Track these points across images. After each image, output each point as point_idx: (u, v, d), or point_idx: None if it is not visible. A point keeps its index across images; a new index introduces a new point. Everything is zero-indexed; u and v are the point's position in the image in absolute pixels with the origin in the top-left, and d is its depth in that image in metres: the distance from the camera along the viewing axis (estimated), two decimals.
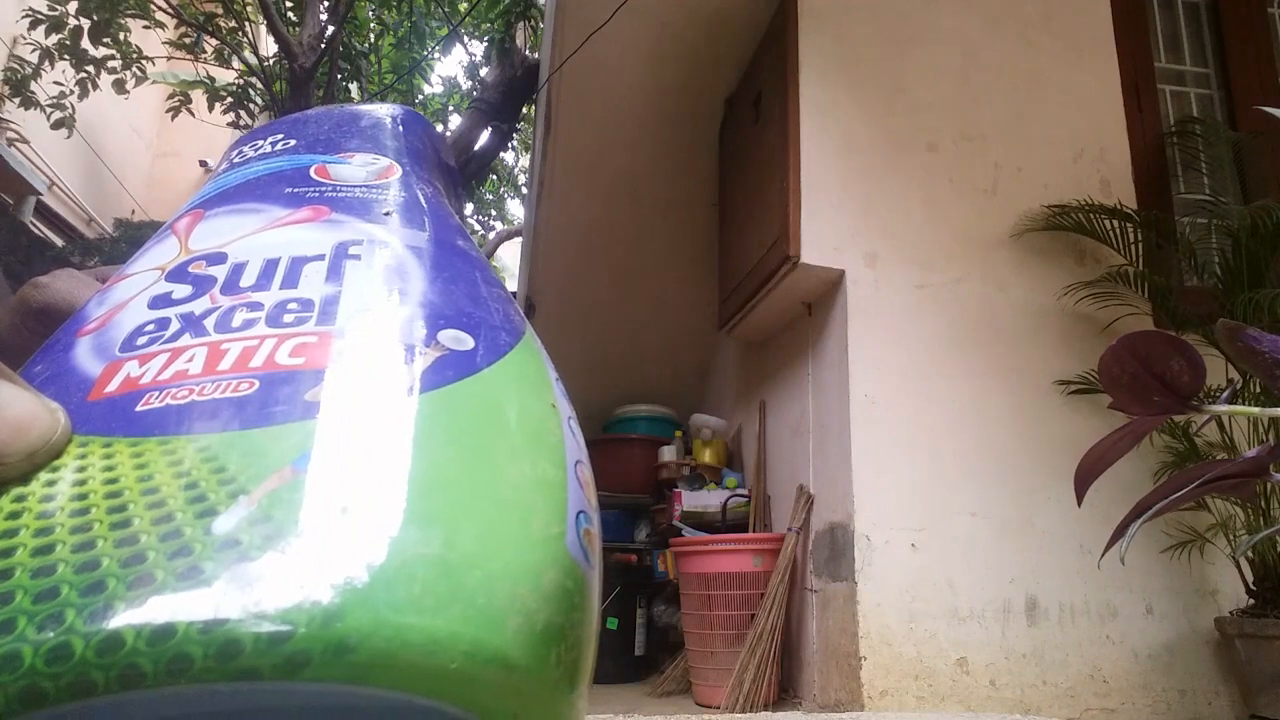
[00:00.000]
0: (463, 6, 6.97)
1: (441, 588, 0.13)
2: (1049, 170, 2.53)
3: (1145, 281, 2.30)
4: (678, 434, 3.57)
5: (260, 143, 0.27)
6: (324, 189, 0.23)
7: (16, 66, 5.48)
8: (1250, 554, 2.02)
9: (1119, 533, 0.43)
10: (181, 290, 0.18)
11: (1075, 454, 0.48)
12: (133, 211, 7.99)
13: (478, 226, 10.10)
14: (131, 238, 6.07)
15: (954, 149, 2.51)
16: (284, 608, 0.12)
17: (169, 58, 6.59)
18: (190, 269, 0.19)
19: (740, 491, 2.99)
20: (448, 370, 0.16)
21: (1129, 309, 2.34)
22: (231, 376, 0.16)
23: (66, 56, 5.38)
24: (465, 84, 8.28)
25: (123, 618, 0.12)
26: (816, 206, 2.37)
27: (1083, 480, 0.45)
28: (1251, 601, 2.05)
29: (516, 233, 7.67)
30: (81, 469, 0.14)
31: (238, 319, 0.17)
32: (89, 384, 0.16)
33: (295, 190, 0.23)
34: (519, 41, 6.03)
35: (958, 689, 2.07)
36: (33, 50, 5.32)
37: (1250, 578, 2.05)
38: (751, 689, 2.26)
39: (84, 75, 5.46)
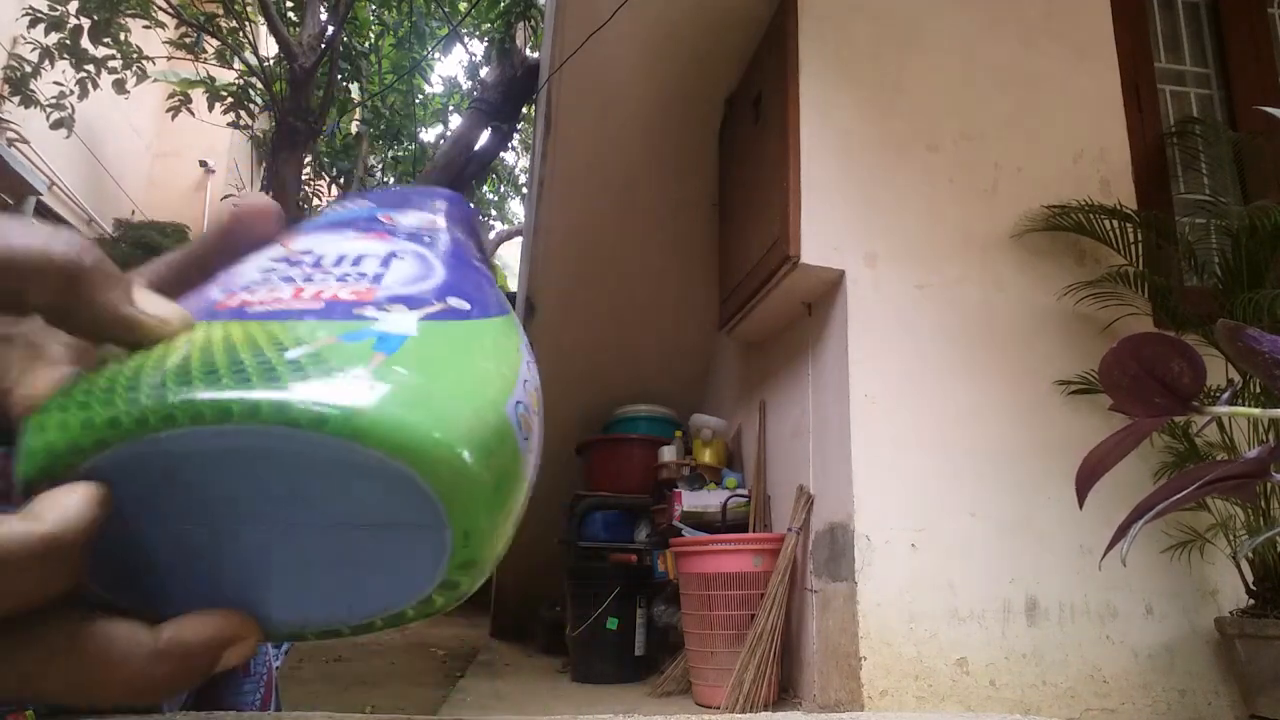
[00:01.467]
0: (463, 6, 6.97)
1: (419, 401, 0.20)
2: (1049, 170, 2.53)
3: (1145, 281, 2.30)
4: (678, 434, 3.57)
5: (344, 202, 0.35)
6: (387, 226, 0.31)
7: (16, 65, 5.48)
8: (1250, 554, 2.02)
9: (1120, 534, 0.43)
10: (282, 265, 0.27)
11: (1075, 454, 0.48)
12: (132, 212, 7.99)
13: None
14: (132, 238, 6.07)
15: (954, 149, 2.51)
16: (321, 399, 0.20)
17: (169, 58, 6.59)
18: (289, 256, 0.27)
19: (740, 491, 2.99)
20: (449, 315, 0.25)
21: (1129, 309, 2.34)
22: (309, 300, 0.24)
23: (66, 56, 5.39)
24: (466, 84, 8.28)
25: (228, 393, 0.20)
26: (816, 206, 2.37)
27: (1084, 482, 0.45)
28: (1251, 602, 2.05)
29: (516, 233, 7.68)
30: (208, 334, 0.22)
31: (317, 277, 0.26)
32: (215, 302, 0.24)
33: (367, 225, 0.31)
34: (519, 41, 6.03)
35: (958, 689, 2.07)
36: (33, 49, 5.32)
37: (1250, 578, 2.05)
38: (751, 689, 2.26)
39: (84, 75, 5.46)
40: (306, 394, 0.19)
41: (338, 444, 0.19)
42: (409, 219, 0.32)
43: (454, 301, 0.25)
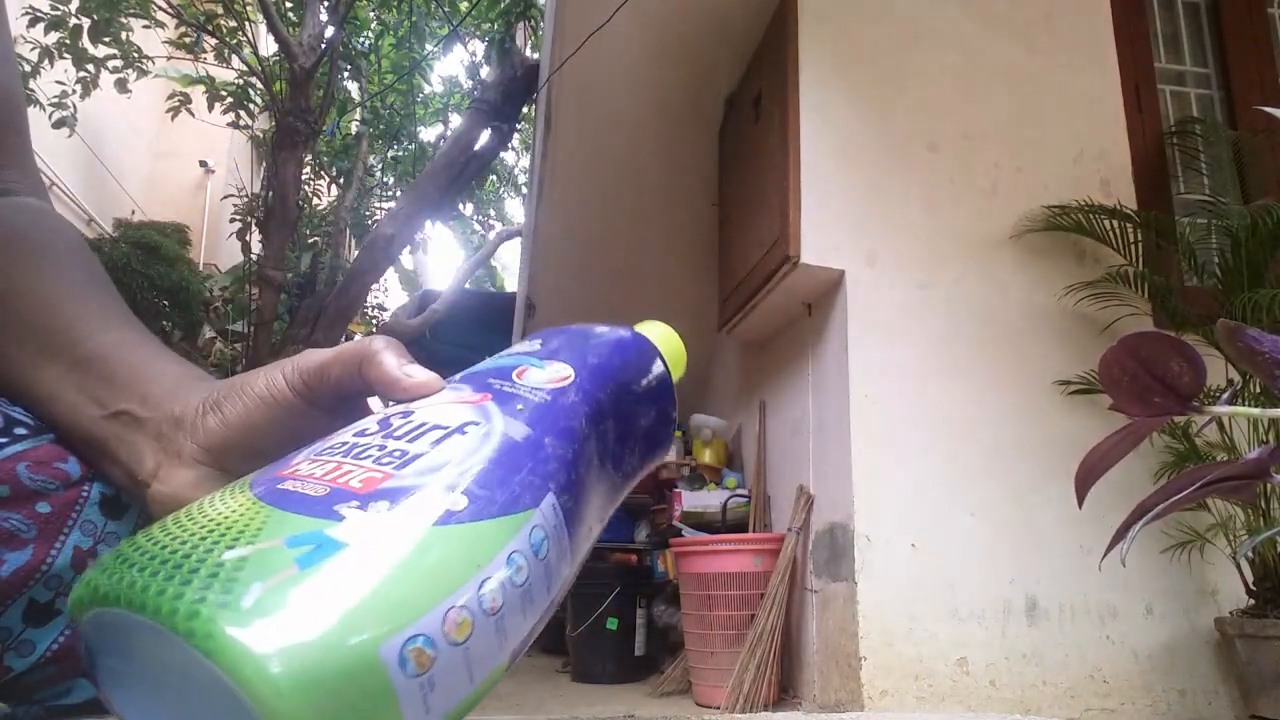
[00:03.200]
0: (463, 6, 6.97)
1: (271, 627, 0.21)
2: (1049, 170, 2.53)
3: (1145, 281, 2.30)
4: (678, 434, 3.57)
5: (531, 340, 0.38)
6: (504, 385, 0.33)
7: (17, 65, 5.47)
8: (1250, 554, 2.02)
9: (1120, 535, 0.43)
10: (363, 434, 0.30)
11: (1075, 454, 0.48)
12: (133, 212, 7.99)
13: (478, 226, 10.11)
14: (132, 238, 6.07)
15: (954, 149, 2.51)
16: (195, 607, 0.22)
17: (169, 57, 6.58)
18: (387, 418, 0.31)
19: (740, 491, 2.99)
20: (434, 516, 0.26)
21: (1129, 309, 2.34)
22: (322, 484, 0.27)
23: (67, 55, 5.38)
24: (466, 84, 8.28)
25: (143, 587, 0.23)
26: (816, 206, 2.37)
27: (1083, 482, 0.45)
28: (1251, 602, 2.05)
29: (516, 233, 7.67)
30: (226, 513, 0.26)
31: (364, 453, 0.28)
32: (277, 472, 0.29)
33: (492, 381, 0.33)
34: (519, 41, 6.02)
35: (958, 689, 2.07)
36: (33, 49, 5.31)
37: (1250, 578, 2.05)
38: (751, 689, 2.26)
39: (84, 74, 5.46)
40: (190, 599, 0.22)
41: (188, 648, 0.22)
42: (543, 373, 0.34)
43: (449, 501, 0.26)
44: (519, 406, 0.32)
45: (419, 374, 0.33)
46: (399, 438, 0.29)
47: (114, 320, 0.44)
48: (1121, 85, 2.68)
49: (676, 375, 0.38)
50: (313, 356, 0.35)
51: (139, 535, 0.26)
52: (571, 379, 0.34)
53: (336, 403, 0.36)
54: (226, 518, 0.25)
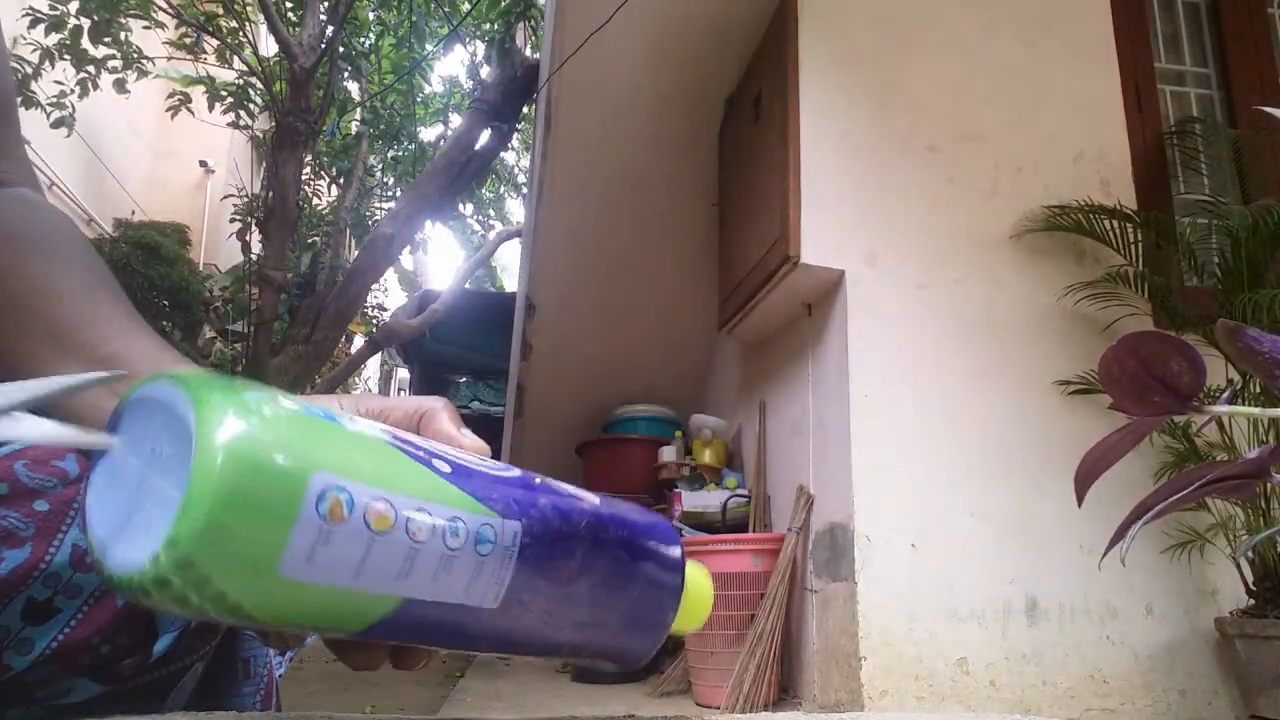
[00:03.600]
0: (463, 6, 6.97)
1: (247, 415, 0.25)
2: (1049, 170, 2.53)
3: (1145, 281, 2.30)
4: (678, 434, 3.57)
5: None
6: (539, 478, 0.35)
7: (17, 66, 5.47)
8: (1250, 554, 2.02)
9: (1119, 534, 0.43)
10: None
11: (1075, 454, 0.48)
12: (132, 212, 7.99)
13: (478, 226, 10.10)
14: (132, 238, 6.06)
15: (954, 149, 2.51)
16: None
17: (169, 58, 6.58)
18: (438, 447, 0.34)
19: (740, 491, 2.99)
20: (420, 459, 0.30)
21: (1129, 309, 2.34)
22: (369, 417, 0.34)
23: (67, 56, 5.38)
24: (466, 84, 8.29)
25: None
26: (816, 206, 2.37)
27: (1083, 481, 0.45)
28: (1251, 602, 2.05)
29: (516, 233, 7.67)
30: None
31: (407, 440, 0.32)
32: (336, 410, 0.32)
33: (528, 474, 0.35)
34: (519, 41, 6.02)
35: (958, 689, 2.07)
36: (33, 50, 5.31)
37: (1250, 578, 2.05)
38: (751, 689, 2.26)
39: (84, 75, 5.46)
40: (215, 385, 0.26)
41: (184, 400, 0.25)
42: (564, 489, 0.35)
43: (437, 463, 0.30)
44: (537, 479, 0.34)
45: (472, 439, 0.37)
46: (438, 454, 0.32)
47: (131, 322, 0.45)
48: (1121, 85, 2.68)
49: (691, 621, 0.38)
50: (373, 401, 0.37)
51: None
52: (596, 505, 0.35)
53: None
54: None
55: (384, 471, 0.27)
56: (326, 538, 0.25)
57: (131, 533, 0.25)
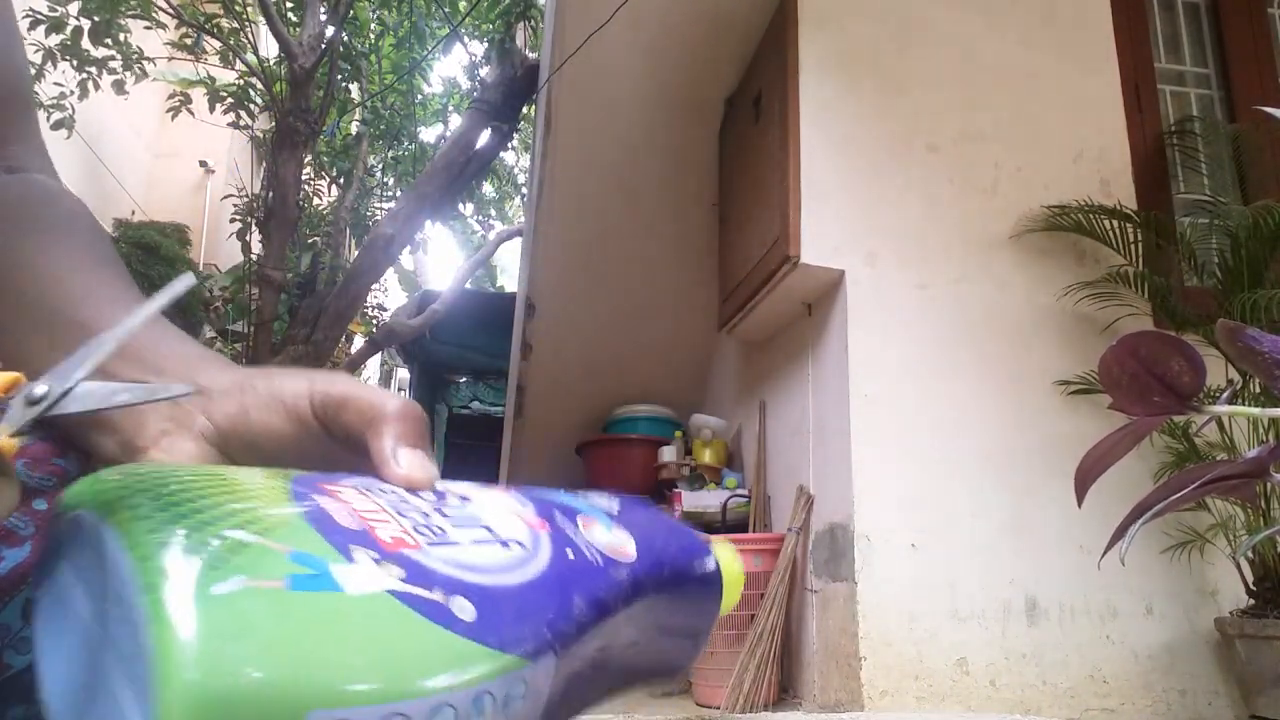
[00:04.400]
0: (463, 6, 6.97)
1: (222, 635, 0.20)
2: (1049, 170, 2.53)
3: (1145, 281, 2.30)
4: (678, 434, 3.57)
5: (612, 500, 0.37)
6: (566, 525, 0.31)
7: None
8: (1250, 554, 2.02)
9: (1119, 534, 0.43)
10: (429, 496, 0.30)
11: (1075, 454, 0.48)
12: (132, 212, 7.99)
13: (478, 226, 10.10)
14: (132, 238, 6.07)
15: (954, 149, 2.51)
16: (166, 567, 0.21)
17: (170, 58, 6.58)
18: (449, 494, 0.31)
19: (740, 491, 2.99)
20: (425, 608, 0.24)
21: (1129, 309, 2.34)
22: (357, 520, 0.26)
23: (68, 57, 5.38)
24: (466, 84, 8.28)
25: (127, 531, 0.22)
26: (816, 206, 2.37)
27: (1083, 481, 0.45)
28: (1251, 602, 2.05)
29: (516, 233, 7.67)
30: (256, 491, 0.26)
31: (408, 512, 0.28)
32: (333, 481, 0.29)
33: (556, 515, 0.32)
34: (519, 42, 6.02)
35: (958, 689, 2.07)
36: (35, 50, 5.32)
37: (1250, 578, 2.05)
38: (751, 689, 2.26)
39: (85, 76, 5.47)
40: (168, 558, 0.21)
41: (138, 596, 0.20)
42: (600, 535, 0.32)
43: (457, 605, 0.24)
44: (569, 553, 0.30)
45: (411, 466, 0.31)
46: (446, 516, 0.28)
47: (127, 304, 0.43)
48: (1121, 85, 2.68)
49: (726, 605, 0.37)
50: (336, 389, 0.34)
51: (169, 467, 0.26)
52: (631, 561, 0.32)
53: (349, 440, 0.34)
54: (254, 495, 0.24)
55: (393, 669, 0.22)
56: None
57: None
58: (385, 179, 9.06)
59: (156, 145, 9.32)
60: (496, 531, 0.29)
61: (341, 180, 8.13)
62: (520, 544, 0.28)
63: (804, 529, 2.46)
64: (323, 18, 5.74)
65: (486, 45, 6.66)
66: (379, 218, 7.43)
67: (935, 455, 2.25)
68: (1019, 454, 2.28)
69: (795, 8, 2.54)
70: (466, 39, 7.05)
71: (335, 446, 0.34)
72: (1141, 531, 0.42)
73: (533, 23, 6.03)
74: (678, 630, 0.35)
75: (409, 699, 0.22)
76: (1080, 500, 0.45)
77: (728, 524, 2.88)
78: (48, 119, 5.49)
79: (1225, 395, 0.46)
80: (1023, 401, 2.33)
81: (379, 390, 0.34)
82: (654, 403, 3.92)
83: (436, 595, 0.24)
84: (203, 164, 9.41)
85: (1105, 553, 0.48)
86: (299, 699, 0.20)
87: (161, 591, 0.20)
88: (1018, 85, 2.61)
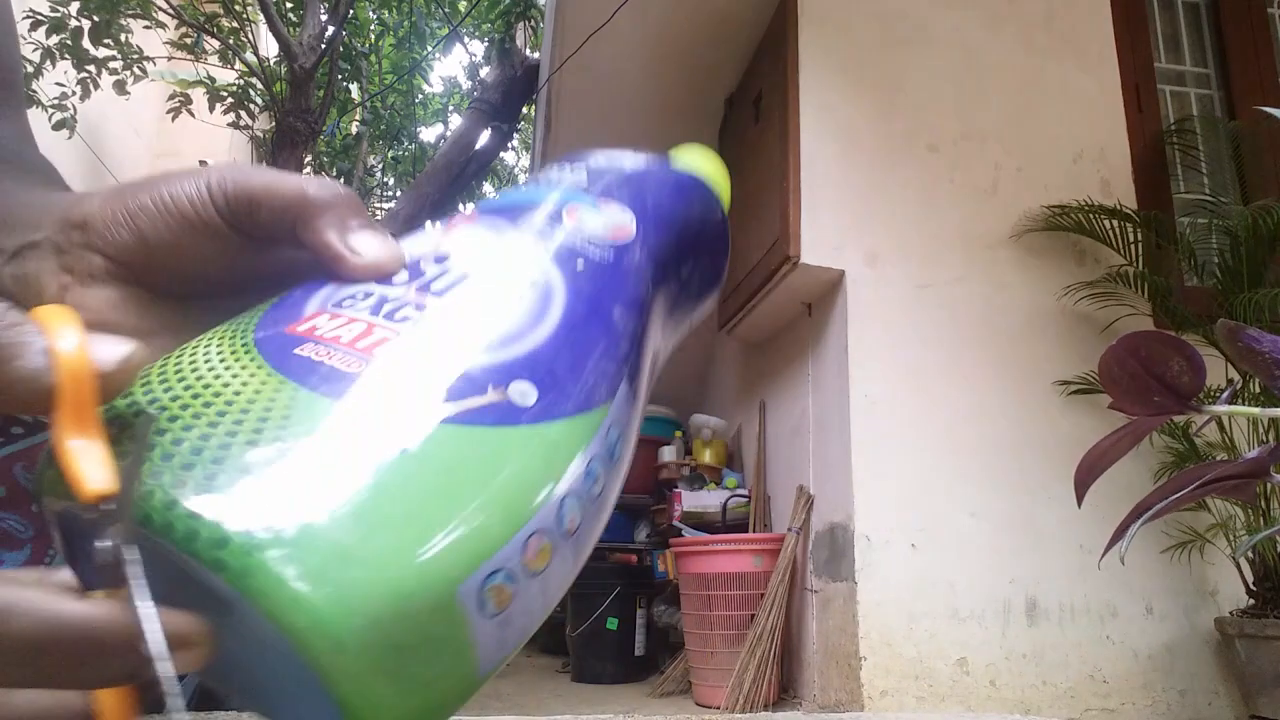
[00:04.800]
0: (463, 6, 6.97)
1: (329, 568, 0.17)
2: (1049, 170, 2.53)
3: (1145, 281, 2.30)
4: (678, 434, 3.57)
5: (565, 165, 0.32)
6: (558, 230, 0.27)
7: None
8: (1250, 554, 2.02)
9: (1119, 534, 0.43)
10: (401, 275, 0.25)
11: (1075, 454, 0.48)
12: None
13: None
14: None
15: (954, 149, 2.51)
16: (235, 528, 0.17)
17: (170, 58, 6.59)
18: (420, 261, 0.25)
19: (740, 491, 2.99)
20: (490, 415, 0.21)
21: (1129, 309, 2.34)
22: (353, 353, 0.21)
23: (68, 57, 5.38)
24: (466, 84, 8.29)
25: (167, 487, 0.18)
26: (816, 206, 2.37)
27: (1083, 481, 0.45)
28: (1251, 602, 2.05)
29: None
30: (236, 385, 0.20)
31: (396, 310, 0.23)
32: (285, 326, 0.22)
33: (538, 221, 0.27)
34: (519, 41, 6.03)
35: (958, 689, 2.07)
36: (35, 50, 5.32)
37: (1250, 578, 2.05)
38: (751, 689, 2.26)
39: (85, 76, 5.47)
40: (224, 519, 0.17)
41: (201, 568, 0.17)
42: (597, 216, 0.28)
43: (518, 392, 0.21)
44: (579, 265, 0.26)
45: (370, 249, 0.26)
46: (438, 294, 0.24)
47: None
48: (1121, 85, 2.68)
49: (727, 199, 0.33)
50: (244, 182, 0.27)
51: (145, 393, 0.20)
52: (634, 232, 0.28)
53: (275, 241, 0.28)
54: (238, 394, 0.20)
55: (496, 498, 0.20)
56: (508, 623, 0.20)
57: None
58: (385, 179, 9.06)
59: (157, 145, 9.32)
60: (498, 281, 0.24)
61: (341, 180, 8.13)
62: (530, 282, 0.25)
63: (804, 529, 2.46)
64: (323, 18, 5.74)
65: (486, 45, 6.66)
66: (379, 218, 7.43)
67: (935, 455, 2.25)
68: (1019, 454, 2.28)
69: (795, 8, 2.54)
70: (466, 39, 7.05)
71: (265, 247, 0.28)
72: (1141, 531, 0.42)
73: (533, 23, 6.04)
74: (704, 258, 0.33)
75: (529, 518, 0.20)
76: (1080, 500, 0.45)
77: (728, 524, 2.88)
78: (49, 119, 5.49)
79: (1225, 395, 0.46)
80: (1022, 401, 2.33)
81: (292, 175, 0.28)
82: (654, 402, 3.92)
83: (490, 396, 0.21)
84: (203, 164, 9.38)
85: (1105, 553, 0.48)
86: (434, 586, 0.18)
87: (240, 572, 0.17)
88: (1018, 85, 2.61)
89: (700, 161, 0.34)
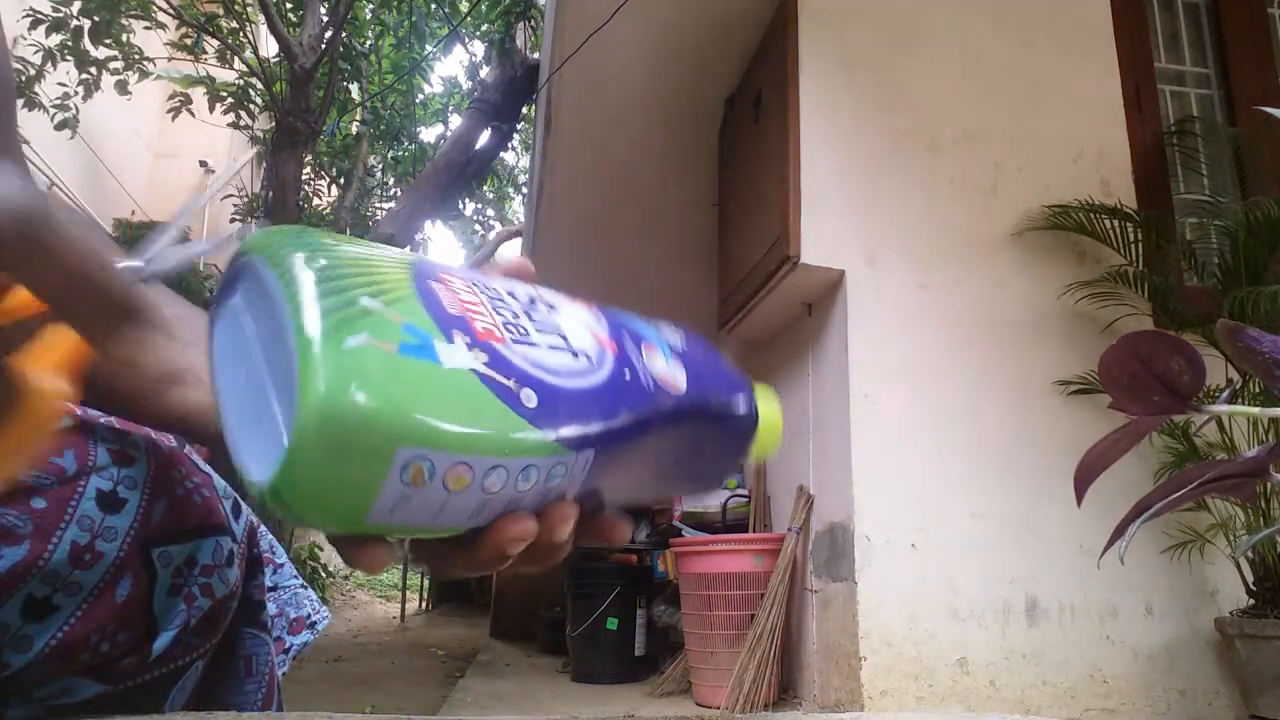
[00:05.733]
0: (463, 6, 6.97)
1: (364, 374, 0.25)
2: (1049, 170, 2.53)
3: (1145, 281, 2.30)
4: None
5: (679, 330, 0.42)
6: (630, 349, 0.35)
7: (20, 68, 5.47)
8: (1250, 554, 2.02)
9: (1118, 533, 0.43)
10: (523, 294, 0.34)
11: (1075, 454, 0.48)
12: (133, 212, 7.98)
13: (478, 226, 10.10)
14: (132, 239, 6.06)
15: (954, 149, 2.51)
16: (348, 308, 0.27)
17: (170, 58, 6.59)
18: (543, 297, 0.35)
19: (740, 491, 2.99)
20: (500, 391, 0.29)
21: (1129, 309, 2.34)
22: (460, 305, 0.30)
23: (69, 57, 5.39)
24: (466, 84, 8.28)
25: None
26: (816, 206, 2.37)
27: (1083, 480, 0.45)
28: (1251, 602, 2.05)
29: (517, 233, 7.67)
30: (386, 270, 0.30)
31: (502, 308, 0.32)
32: (448, 271, 0.32)
33: (625, 337, 0.36)
34: (519, 41, 6.03)
35: (958, 689, 2.07)
36: (36, 51, 5.32)
37: (1250, 578, 2.05)
38: (751, 689, 2.26)
39: (86, 76, 5.47)
40: (316, 311, 0.26)
41: (290, 335, 0.26)
42: (658, 364, 0.36)
43: (525, 394, 0.29)
44: (626, 373, 0.34)
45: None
46: (532, 320, 0.32)
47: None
48: (1121, 85, 2.68)
49: (763, 450, 0.40)
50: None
51: (329, 237, 0.30)
52: (679, 394, 0.36)
53: None
54: (386, 275, 0.29)
55: (466, 430, 0.27)
56: (407, 499, 0.27)
57: (248, 442, 0.28)
58: (385, 179, 9.06)
59: (157, 145, 9.32)
60: (571, 341, 0.33)
61: (341, 180, 8.13)
62: (588, 356, 0.33)
63: (804, 529, 2.46)
64: (323, 18, 5.74)
65: (486, 45, 6.66)
66: (379, 218, 7.43)
67: (935, 455, 2.25)
68: (1019, 454, 2.28)
69: (795, 8, 2.54)
70: (466, 39, 7.05)
71: None
72: (1141, 531, 0.42)
73: (533, 23, 6.04)
74: (709, 457, 0.39)
75: (474, 454, 0.27)
76: (1080, 500, 0.45)
77: (728, 524, 2.88)
78: (50, 120, 5.49)
79: (1225, 395, 0.46)
80: (1023, 401, 2.33)
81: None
82: None
83: (510, 383, 0.29)
84: (203, 164, 9.41)
85: (1105, 552, 0.48)
86: (391, 432, 0.25)
87: (308, 334, 0.25)
88: (1018, 85, 2.61)
89: (765, 399, 0.41)
